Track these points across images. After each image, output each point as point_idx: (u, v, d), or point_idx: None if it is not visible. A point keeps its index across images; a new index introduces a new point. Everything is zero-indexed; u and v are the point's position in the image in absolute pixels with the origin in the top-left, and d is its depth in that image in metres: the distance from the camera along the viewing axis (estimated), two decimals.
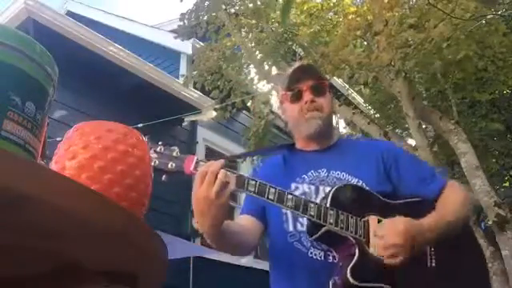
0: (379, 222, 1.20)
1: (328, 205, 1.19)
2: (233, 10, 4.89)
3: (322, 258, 1.22)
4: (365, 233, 1.18)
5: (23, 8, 4.27)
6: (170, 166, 1.16)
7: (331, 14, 4.81)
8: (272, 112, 5.09)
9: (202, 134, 5.92)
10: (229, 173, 1.10)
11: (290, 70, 1.44)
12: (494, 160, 5.55)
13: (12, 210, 0.32)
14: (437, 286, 1.19)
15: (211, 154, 5.97)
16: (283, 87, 1.42)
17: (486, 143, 4.99)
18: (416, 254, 1.15)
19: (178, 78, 5.55)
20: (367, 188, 1.27)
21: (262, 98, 4.99)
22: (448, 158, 4.67)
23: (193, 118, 5.65)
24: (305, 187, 1.31)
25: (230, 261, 4.87)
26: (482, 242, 3.05)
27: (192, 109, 5.53)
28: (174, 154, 1.18)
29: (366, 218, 1.20)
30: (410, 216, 1.20)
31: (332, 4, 4.75)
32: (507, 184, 6.10)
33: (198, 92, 5.43)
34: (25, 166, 0.33)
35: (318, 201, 1.24)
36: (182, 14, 4.82)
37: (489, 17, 3.45)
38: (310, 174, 1.34)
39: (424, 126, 4.08)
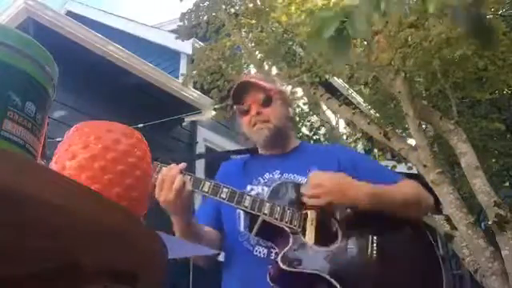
0: (319, 216, 1.23)
1: (266, 197, 1.25)
2: (233, 10, 4.89)
3: (265, 255, 1.27)
4: (301, 224, 1.22)
5: (23, 8, 4.26)
6: None
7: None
8: None
9: (202, 134, 5.92)
10: (186, 175, 1.20)
11: (234, 84, 1.49)
12: (493, 160, 5.55)
13: (12, 209, 0.32)
14: (377, 274, 1.19)
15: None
16: (231, 101, 1.48)
17: (486, 143, 4.99)
18: (344, 203, 1.20)
19: (178, 77, 5.54)
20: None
21: None
22: (448, 158, 4.67)
23: (193, 118, 5.64)
24: (259, 188, 1.36)
25: None
26: (481, 242, 3.05)
27: (192, 109, 5.52)
28: None
29: (304, 212, 1.24)
30: (357, 213, 1.24)
31: (332, 4, 4.74)
32: (507, 184, 6.10)
33: (198, 92, 5.43)
34: (25, 165, 0.33)
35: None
36: (182, 14, 4.82)
37: (489, 17, 3.45)
38: (265, 176, 1.39)
39: (424, 126, 4.07)
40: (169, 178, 1.18)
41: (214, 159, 1.65)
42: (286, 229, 1.20)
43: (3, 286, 0.40)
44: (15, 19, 4.31)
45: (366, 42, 3.93)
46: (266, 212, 1.20)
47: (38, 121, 0.45)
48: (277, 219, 1.20)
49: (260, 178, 1.38)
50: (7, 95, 0.41)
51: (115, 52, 4.77)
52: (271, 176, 1.38)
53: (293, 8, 4.42)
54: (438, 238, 7.60)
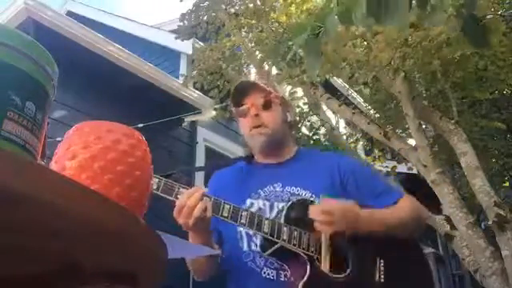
0: (331, 237, 1.23)
1: (282, 221, 1.22)
2: (233, 10, 4.89)
3: (275, 277, 1.25)
4: (317, 249, 1.21)
5: (23, 8, 4.26)
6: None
7: None
8: None
9: (202, 133, 5.91)
10: (206, 199, 1.17)
11: (235, 85, 1.48)
12: (493, 160, 5.55)
13: (11, 210, 0.32)
14: None
15: (211, 154, 5.97)
16: (231, 103, 1.46)
17: (486, 143, 4.99)
18: (348, 233, 1.21)
19: (178, 77, 5.54)
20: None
21: None
22: (448, 158, 4.67)
23: (193, 118, 5.64)
24: (260, 203, 1.34)
25: None
26: (481, 242, 3.05)
27: (192, 109, 5.52)
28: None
29: (318, 233, 1.23)
30: None
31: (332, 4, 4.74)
32: (507, 184, 6.10)
33: (198, 92, 5.43)
34: (25, 166, 0.33)
35: (272, 216, 1.28)
36: (182, 14, 4.82)
37: (489, 17, 3.45)
38: (265, 189, 1.36)
39: (424, 126, 4.07)
40: (189, 206, 1.16)
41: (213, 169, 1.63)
42: (303, 255, 1.20)
43: (3, 286, 0.39)
44: (15, 19, 4.31)
45: (365, 42, 3.93)
46: (284, 238, 1.19)
47: (38, 121, 0.45)
48: (295, 245, 1.20)
49: (260, 191, 1.36)
50: (7, 95, 0.41)
51: (115, 52, 4.77)
52: (272, 189, 1.35)
53: (293, 8, 4.42)
54: (438, 237, 7.59)
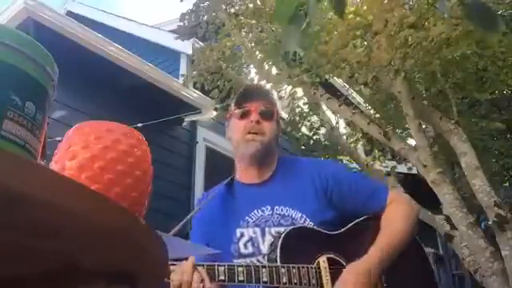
0: (329, 260, 1.23)
1: (278, 260, 1.22)
2: (233, 10, 4.89)
3: None
4: (318, 278, 1.22)
5: (23, 8, 4.26)
6: None
7: (331, 13, 4.80)
8: None
9: (202, 134, 5.91)
10: (199, 268, 1.16)
11: (242, 88, 1.47)
12: (493, 160, 5.55)
13: (11, 209, 0.32)
14: None
15: (211, 154, 5.96)
16: (234, 103, 1.44)
17: (486, 143, 4.99)
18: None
19: (178, 78, 5.54)
20: (310, 225, 1.29)
21: None
22: (448, 158, 4.67)
23: (193, 117, 5.64)
24: (250, 231, 1.33)
25: None
26: (481, 242, 3.05)
27: (192, 109, 5.52)
28: None
29: (316, 262, 1.24)
30: (357, 240, 1.27)
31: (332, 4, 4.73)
32: (507, 184, 6.10)
33: (198, 92, 5.42)
34: (25, 166, 0.33)
35: (265, 244, 1.28)
36: (182, 15, 4.82)
37: None
38: (253, 214, 1.34)
39: (424, 126, 4.07)
40: (186, 281, 1.14)
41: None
42: None
43: (3, 286, 0.39)
44: (15, 19, 4.31)
45: (366, 42, 3.93)
46: (284, 281, 1.19)
47: (38, 121, 0.45)
48: (296, 284, 1.20)
49: (248, 218, 1.34)
50: (7, 95, 0.41)
51: (115, 52, 4.77)
52: (261, 213, 1.34)
53: None
54: (438, 237, 7.59)
